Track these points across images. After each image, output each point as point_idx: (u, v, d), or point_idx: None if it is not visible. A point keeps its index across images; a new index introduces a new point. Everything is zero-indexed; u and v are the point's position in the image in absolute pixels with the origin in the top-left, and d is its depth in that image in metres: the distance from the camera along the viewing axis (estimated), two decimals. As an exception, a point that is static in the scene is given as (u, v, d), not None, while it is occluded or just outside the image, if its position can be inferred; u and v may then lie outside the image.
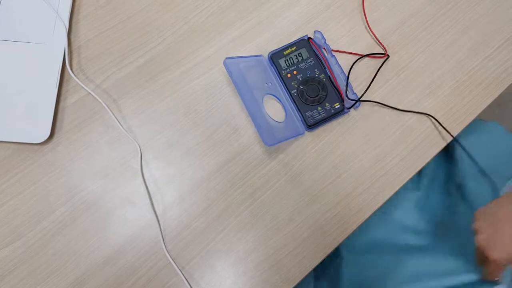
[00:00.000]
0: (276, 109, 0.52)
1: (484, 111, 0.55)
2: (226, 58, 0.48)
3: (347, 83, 0.52)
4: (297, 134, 0.50)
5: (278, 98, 0.52)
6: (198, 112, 0.52)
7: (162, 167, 0.50)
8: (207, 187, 0.49)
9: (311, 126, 0.51)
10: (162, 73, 0.52)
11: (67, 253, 0.46)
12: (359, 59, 0.54)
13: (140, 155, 0.49)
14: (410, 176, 0.52)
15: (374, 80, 0.54)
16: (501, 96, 0.55)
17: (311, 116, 0.51)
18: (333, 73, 0.52)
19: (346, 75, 0.52)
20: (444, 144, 0.53)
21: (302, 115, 0.51)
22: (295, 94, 0.52)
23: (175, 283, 0.46)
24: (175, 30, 0.54)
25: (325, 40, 0.53)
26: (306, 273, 0.48)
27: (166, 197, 0.49)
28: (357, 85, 0.54)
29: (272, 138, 0.47)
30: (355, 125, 0.53)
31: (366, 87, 0.53)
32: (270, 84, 0.52)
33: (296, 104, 0.51)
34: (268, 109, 0.51)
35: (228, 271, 0.47)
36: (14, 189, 0.47)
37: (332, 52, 0.53)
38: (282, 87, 0.52)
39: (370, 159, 0.52)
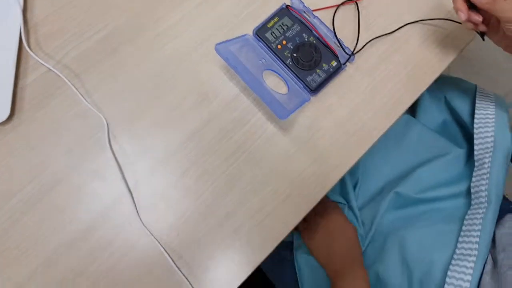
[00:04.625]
0: (277, 83, 0.51)
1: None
2: (216, 44, 0.47)
3: (337, 39, 0.51)
4: (304, 101, 0.49)
5: (276, 72, 0.51)
6: (164, 82, 0.50)
7: (131, 139, 0.48)
8: (180, 155, 0.48)
9: (314, 89, 0.50)
10: (124, 45, 0.51)
11: (37, 231, 0.44)
12: (336, 10, 0.53)
13: (107, 128, 0.48)
14: (387, 127, 0.52)
15: (360, 26, 0.53)
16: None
17: (313, 80, 0.50)
18: (320, 33, 0.52)
19: (333, 31, 0.52)
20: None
21: (303, 82, 0.50)
22: (291, 63, 0.51)
23: (153, 254, 0.45)
24: (134, 2, 0.53)
25: (303, 3, 0.52)
26: (289, 230, 0.47)
27: (137, 169, 0.47)
28: (346, 39, 0.53)
29: (284, 111, 0.46)
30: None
31: (357, 37, 0.53)
32: (264, 60, 0.51)
33: (294, 72, 0.50)
34: (269, 84, 0.50)
35: (208, 237, 0.46)
36: (-24, 172, 0.45)
37: (313, 12, 0.52)
38: (276, 59, 0.51)
39: (344, 114, 0.51)
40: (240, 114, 0.50)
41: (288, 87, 0.50)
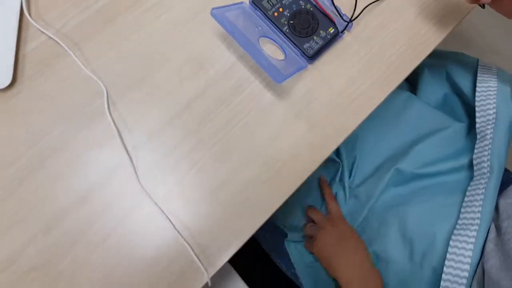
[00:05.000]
0: (274, 51, 0.51)
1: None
2: (212, 8, 0.47)
3: (335, 6, 0.51)
4: (301, 68, 0.49)
5: (272, 39, 0.51)
6: (162, 51, 0.51)
7: (130, 106, 0.49)
8: (177, 122, 0.49)
9: (312, 57, 0.50)
10: (122, 15, 0.52)
11: (36, 198, 0.45)
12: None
13: (106, 95, 0.48)
14: (385, 95, 0.52)
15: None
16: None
17: (310, 47, 0.50)
18: (317, 1, 0.51)
19: None
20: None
21: (300, 49, 0.50)
22: (287, 30, 0.51)
23: (153, 218, 0.46)
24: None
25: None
26: (286, 197, 0.48)
27: (135, 136, 0.48)
28: (344, 7, 0.53)
29: (281, 75, 0.46)
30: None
31: (354, 4, 0.53)
32: (260, 27, 0.51)
33: (291, 40, 0.50)
34: (266, 52, 0.50)
35: (204, 201, 0.47)
36: (-22, 137, 0.46)
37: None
38: (273, 27, 0.51)
39: (342, 83, 0.51)
40: (237, 83, 0.50)
41: (285, 54, 0.51)
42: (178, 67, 0.50)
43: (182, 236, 0.45)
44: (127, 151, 0.47)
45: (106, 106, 0.48)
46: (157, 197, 0.46)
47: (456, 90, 0.67)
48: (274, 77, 0.45)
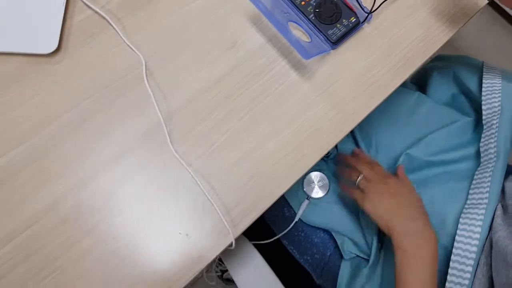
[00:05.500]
0: (300, 35, 0.56)
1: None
2: None
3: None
4: (325, 50, 0.53)
5: (299, 24, 0.55)
6: (196, 30, 0.55)
7: (166, 77, 0.52)
8: (209, 95, 0.52)
9: (335, 42, 0.54)
10: (163, -5, 0.56)
11: (72, 155, 0.48)
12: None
13: (144, 65, 0.52)
14: (401, 82, 0.56)
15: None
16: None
17: (333, 34, 0.54)
18: None
19: None
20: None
21: (325, 35, 0.54)
22: (313, 18, 0.55)
23: (182, 179, 0.48)
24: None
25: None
26: (307, 169, 0.51)
27: (170, 103, 0.51)
28: (364, 2, 0.57)
29: (308, 53, 0.50)
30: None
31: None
32: (288, 14, 0.55)
33: (316, 26, 0.55)
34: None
35: (233, 168, 0.50)
36: (24, 95, 0.49)
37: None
38: (300, 14, 0.55)
39: (361, 67, 0.55)
40: (266, 62, 0.54)
41: (311, 38, 0.55)
42: (212, 45, 0.54)
43: (208, 198, 0.48)
44: (161, 117, 0.50)
45: (144, 74, 0.51)
46: (188, 161, 0.49)
47: (463, 89, 0.72)
48: (302, 54, 0.49)
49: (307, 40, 0.55)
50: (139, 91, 0.51)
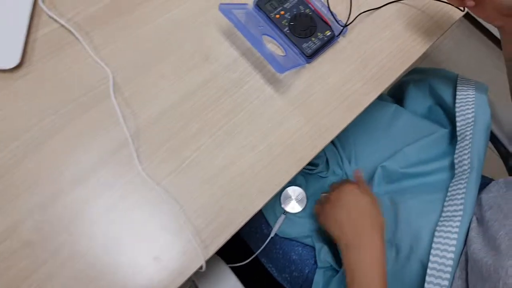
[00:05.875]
0: (274, 49, 0.55)
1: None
2: (220, 4, 0.50)
3: (331, 12, 0.56)
4: (300, 64, 0.53)
5: (273, 38, 0.54)
6: (169, 43, 0.53)
7: (135, 92, 0.50)
8: (180, 110, 0.50)
9: (310, 56, 0.53)
10: (133, 8, 0.54)
11: (36, 174, 0.45)
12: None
13: (112, 80, 0.50)
14: (377, 95, 0.55)
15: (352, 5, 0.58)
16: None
17: (308, 47, 0.53)
18: (315, 7, 0.56)
19: (327, 6, 0.56)
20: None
21: (300, 48, 0.54)
22: (288, 31, 0.54)
23: (151, 198, 0.46)
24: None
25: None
26: (282, 185, 0.49)
27: (139, 119, 0.49)
28: (339, 15, 0.57)
29: (282, 67, 0.49)
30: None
31: (349, 11, 0.58)
32: (262, 27, 0.54)
33: (291, 40, 0.54)
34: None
35: (205, 185, 0.48)
36: (-17, 112, 0.47)
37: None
38: (274, 28, 0.55)
39: (337, 81, 0.55)
40: (239, 76, 0.53)
41: (286, 52, 0.54)
42: (184, 59, 0.53)
43: (178, 218, 0.46)
44: (128, 133, 0.48)
45: (111, 89, 0.49)
46: (157, 179, 0.47)
47: (439, 101, 0.72)
48: (276, 68, 0.48)
49: (282, 54, 0.54)
50: (106, 106, 0.49)
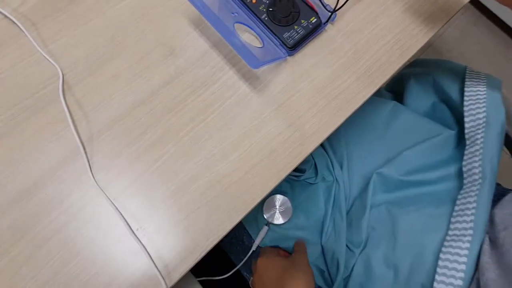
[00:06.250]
0: (251, 40, 0.47)
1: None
2: None
3: None
4: (279, 58, 0.45)
5: (249, 27, 0.47)
6: (127, 34, 0.46)
7: (88, 92, 0.44)
8: (141, 112, 0.44)
9: (292, 47, 0.46)
10: (88, -5, 0.47)
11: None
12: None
13: (62, 79, 0.43)
14: (371, 92, 0.48)
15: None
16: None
17: (290, 37, 0.46)
18: None
19: None
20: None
21: (280, 38, 0.46)
22: (266, 18, 0.47)
23: (106, 215, 0.40)
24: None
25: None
26: (258, 200, 0.43)
27: (93, 123, 0.43)
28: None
29: (256, 61, 0.41)
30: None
31: None
32: (236, 14, 0.47)
33: (270, 28, 0.46)
34: (242, 38, 0.46)
35: (168, 201, 0.41)
36: None
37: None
38: (250, 14, 0.47)
39: (325, 77, 0.47)
40: (210, 71, 0.46)
41: (263, 43, 0.47)
42: (144, 52, 0.46)
43: (138, 238, 0.39)
44: (81, 141, 0.42)
45: (60, 89, 0.43)
46: (113, 194, 0.41)
47: (445, 98, 0.64)
48: (249, 62, 0.41)
49: (259, 45, 0.47)
50: (55, 109, 0.43)
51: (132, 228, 0.40)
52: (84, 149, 0.41)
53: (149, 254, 0.39)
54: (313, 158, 0.63)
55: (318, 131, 0.46)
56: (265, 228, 0.61)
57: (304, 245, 0.60)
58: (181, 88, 0.45)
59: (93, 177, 0.41)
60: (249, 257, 0.62)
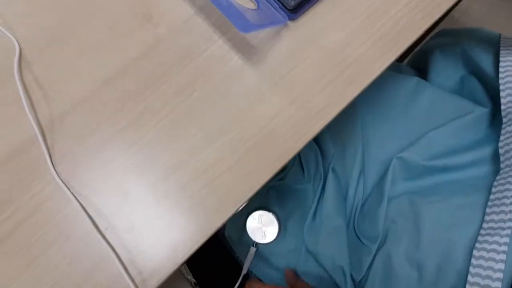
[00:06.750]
0: (243, 1, 0.40)
1: None
2: None
3: None
4: (277, 22, 0.38)
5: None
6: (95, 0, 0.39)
7: (50, 67, 0.37)
8: (112, 89, 0.37)
9: (294, 10, 0.38)
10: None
11: None
12: None
13: (18, 53, 0.36)
14: (389, 62, 0.39)
15: None
16: None
17: None
18: None
19: None
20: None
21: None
22: None
23: (68, 213, 0.33)
24: None
25: None
26: (253, 192, 0.35)
27: (54, 106, 0.36)
28: None
29: (247, 23, 0.34)
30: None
31: None
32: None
33: None
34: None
35: (143, 195, 0.34)
36: None
37: None
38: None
39: (334, 44, 0.39)
40: (195, 40, 0.38)
41: (258, 5, 0.39)
42: (116, 18, 0.39)
43: (106, 240, 0.32)
44: (39, 126, 0.35)
45: (15, 65, 0.36)
46: (77, 187, 0.34)
47: (475, 71, 0.55)
48: (237, 24, 0.33)
49: (253, 7, 0.39)
50: (10, 89, 0.36)
51: (100, 228, 0.33)
52: (44, 135, 0.35)
53: (119, 258, 0.32)
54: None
55: (326, 108, 0.38)
56: (252, 249, 0.54)
57: (294, 276, 0.53)
58: (160, 61, 0.38)
59: (54, 168, 0.34)
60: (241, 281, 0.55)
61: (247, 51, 0.39)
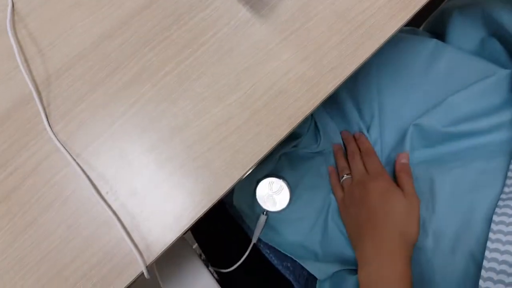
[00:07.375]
0: None
1: None
2: None
3: None
4: None
5: None
6: None
7: (43, 23, 0.34)
8: (110, 46, 0.34)
9: None
10: None
11: None
12: None
13: (11, 6, 0.34)
14: (408, 17, 0.36)
15: None
16: None
17: None
18: None
19: None
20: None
21: None
22: None
23: (66, 175, 0.31)
24: None
25: None
26: (262, 154, 0.33)
27: (49, 63, 0.34)
28: None
29: None
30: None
31: None
32: None
33: None
34: None
35: (145, 157, 0.32)
36: None
37: None
38: None
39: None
40: (199, -8, 0.36)
41: (267, -48, 0.36)
42: (115, -30, 0.35)
43: (107, 204, 0.31)
44: (34, 83, 0.33)
45: (8, 20, 0.33)
46: (75, 149, 0.32)
47: (497, 31, 0.52)
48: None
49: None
50: (2, 45, 0.33)
51: (101, 192, 0.31)
52: (39, 93, 0.33)
53: (122, 223, 0.30)
54: (312, 118, 0.53)
55: (339, 66, 0.35)
56: (263, 217, 0.52)
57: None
58: (161, 15, 0.35)
59: (51, 128, 0.32)
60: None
61: (255, 3, 0.36)
